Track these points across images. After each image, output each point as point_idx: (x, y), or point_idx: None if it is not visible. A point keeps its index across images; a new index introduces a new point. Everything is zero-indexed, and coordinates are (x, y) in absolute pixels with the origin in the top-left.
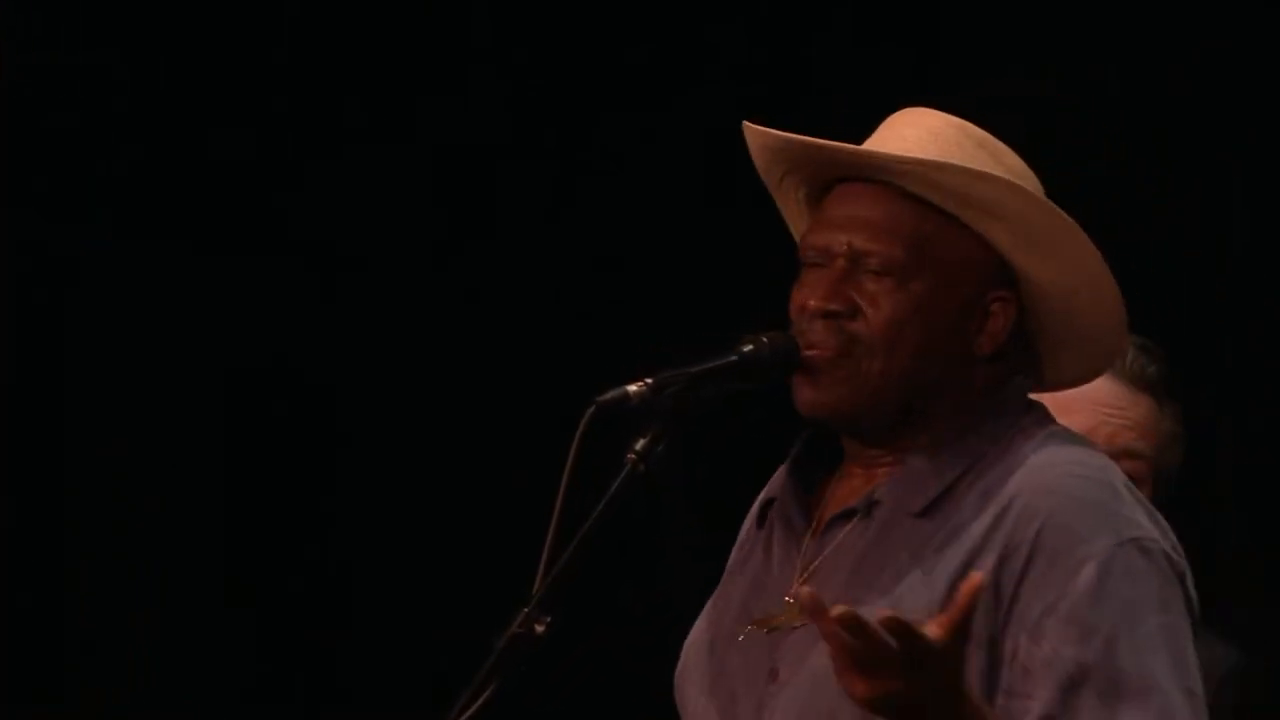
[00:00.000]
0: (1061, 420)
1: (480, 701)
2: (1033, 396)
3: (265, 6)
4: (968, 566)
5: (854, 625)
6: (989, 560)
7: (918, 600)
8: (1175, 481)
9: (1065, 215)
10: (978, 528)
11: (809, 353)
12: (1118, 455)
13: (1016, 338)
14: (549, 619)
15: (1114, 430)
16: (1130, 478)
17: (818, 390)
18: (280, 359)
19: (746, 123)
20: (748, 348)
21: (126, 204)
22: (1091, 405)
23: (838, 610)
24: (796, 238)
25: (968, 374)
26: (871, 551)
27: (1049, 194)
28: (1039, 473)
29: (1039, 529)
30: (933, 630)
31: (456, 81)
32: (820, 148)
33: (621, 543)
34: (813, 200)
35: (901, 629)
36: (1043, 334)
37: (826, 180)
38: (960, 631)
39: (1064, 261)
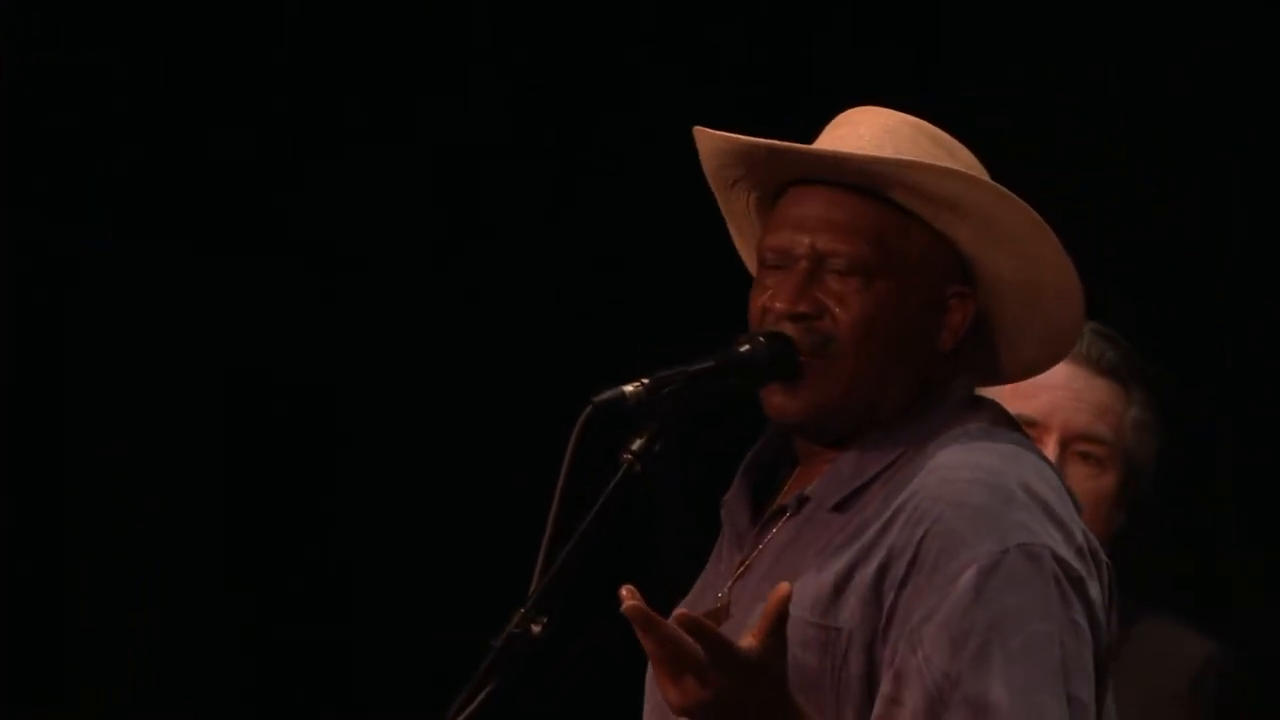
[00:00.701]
0: (1017, 405)
1: (478, 702)
2: (999, 385)
3: (265, 6)
4: (855, 566)
5: (645, 621)
6: (874, 561)
7: (805, 595)
8: (1154, 473)
9: (1030, 209)
10: (875, 528)
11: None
12: (1074, 439)
13: (974, 332)
14: (545, 619)
15: (1068, 414)
16: (1091, 461)
17: (794, 397)
18: (280, 359)
19: (698, 128)
20: (744, 348)
21: (126, 204)
22: (1047, 389)
23: (628, 605)
24: (739, 243)
25: (929, 369)
26: (790, 546)
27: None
28: (933, 475)
29: (923, 535)
30: (746, 640)
31: (456, 81)
32: (790, 151)
33: (617, 542)
34: (764, 204)
35: (697, 629)
36: (1002, 326)
37: (780, 182)
38: (772, 640)
39: (1027, 255)
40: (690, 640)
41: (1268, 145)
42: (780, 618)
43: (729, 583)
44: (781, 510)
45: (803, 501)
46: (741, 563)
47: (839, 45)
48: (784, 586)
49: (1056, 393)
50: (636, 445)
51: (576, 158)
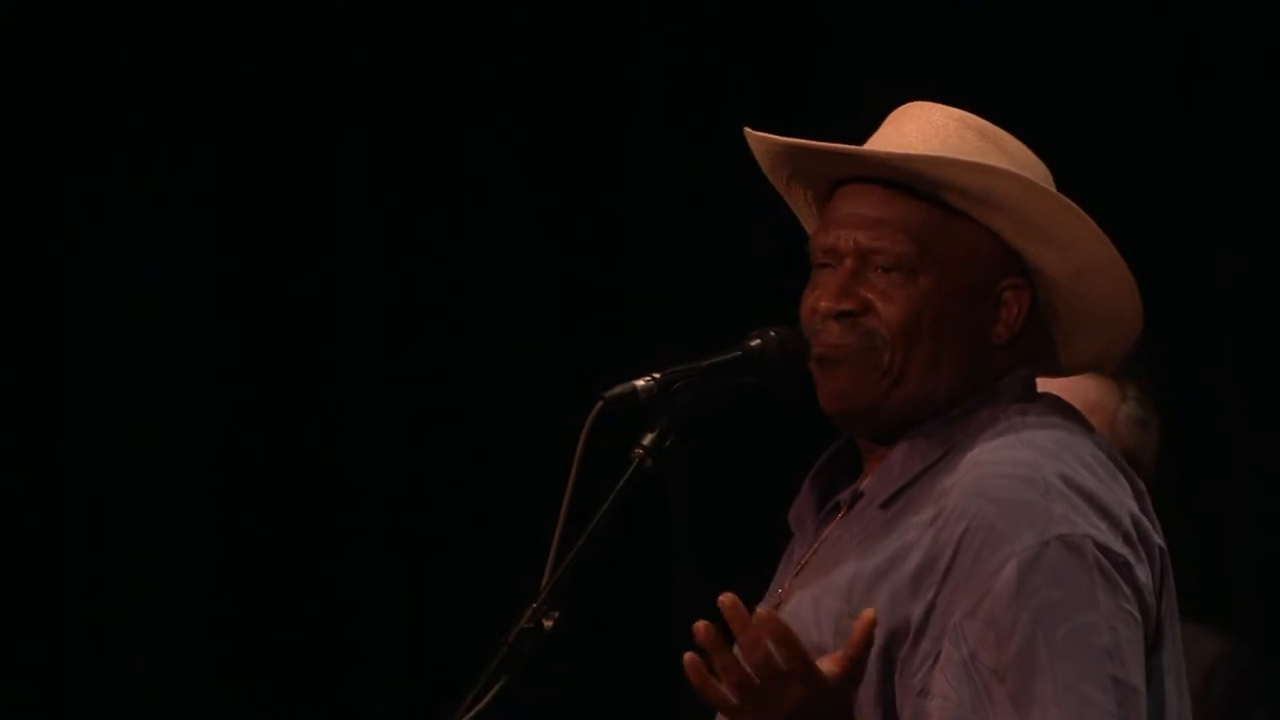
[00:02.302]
0: None
1: (489, 697)
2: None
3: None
4: (895, 561)
5: (741, 620)
6: (914, 558)
7: (842, 585)
8: (1155, 469)
9: (1061, 198)
10: (916, 525)
11: (821, 350)
12: None
13: (1034, 324)
14: (557, 614)
15: None
16: None
17: (839, 383)
18: (281, 358)
19: (747, 129)
20: (755, 342)
21: (128, 202)
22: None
23: (728, 600)
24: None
25: (985, 362)
26: (840, 542)
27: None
28: (972, 472)
29: (963, 532)
30: (828, 666)
31: (463, 89)
32: (814, 150)
33: (627, 537)
34: (821, 201)
35: (785, 638)
36: (1058, 319)
37: (831, 180)
38: (854, 666)
39: (1065, 245)
40: (773, 644)
41: (1268, 151)
42: (865, 644)
43: (788, 580)
44: (838, 507)
45: (856, 498)
46: (800, 560)
47: (838, 46)
48: (869, 613)
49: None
50: (648, 440)
51: (578, 161)
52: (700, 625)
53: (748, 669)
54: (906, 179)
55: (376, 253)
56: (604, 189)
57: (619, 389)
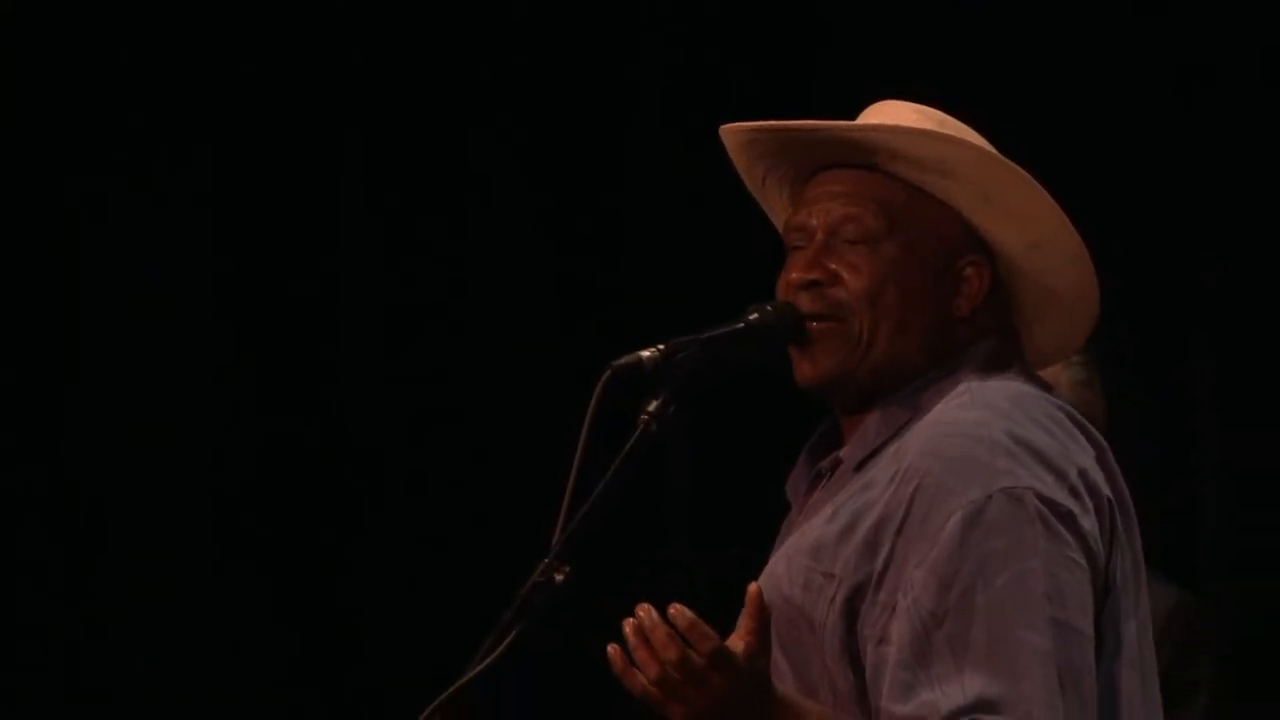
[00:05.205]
0: None
1: (503, 647)
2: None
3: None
4: (858, 520)
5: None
6: (873, 516)
7: (809, 543)
8: (1108, 426)
9: (1017, 168)
10: (879, 485)
11: (806, 322)
12: None
13: (996, 303)
14: (568, 568)
15: None
16: None
17: (814, 362)
18: (281, 358)
19: (722, 126)
20: (754, 315)
21: (128, 202)
22: None
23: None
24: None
25: (949, 334)
26: (819, 506)
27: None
28: (925, 433)
29: (914, 489)
30: (733, 641)
31: (463, 89)
32: (778, 128)
33: (630, 503)
34: (796, 198)
35: (697, 632)
36: (1019, 301)
37: (805, 174)
38: (755, 639)
39: (1021, 216)
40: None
41: (1258, 153)
42: (761, 618)
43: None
44: (821, 474)
45: (836, 464)
46: (790, 525)
47: (838, 47)
48: (753, 588)
49: None
50: (652, 407)
51: (579, 162)
52: (628, 622)
53: (665, 666)
54: (867, 157)
55: (376, 253)
56: (604, 189)
57: (626, 358)
